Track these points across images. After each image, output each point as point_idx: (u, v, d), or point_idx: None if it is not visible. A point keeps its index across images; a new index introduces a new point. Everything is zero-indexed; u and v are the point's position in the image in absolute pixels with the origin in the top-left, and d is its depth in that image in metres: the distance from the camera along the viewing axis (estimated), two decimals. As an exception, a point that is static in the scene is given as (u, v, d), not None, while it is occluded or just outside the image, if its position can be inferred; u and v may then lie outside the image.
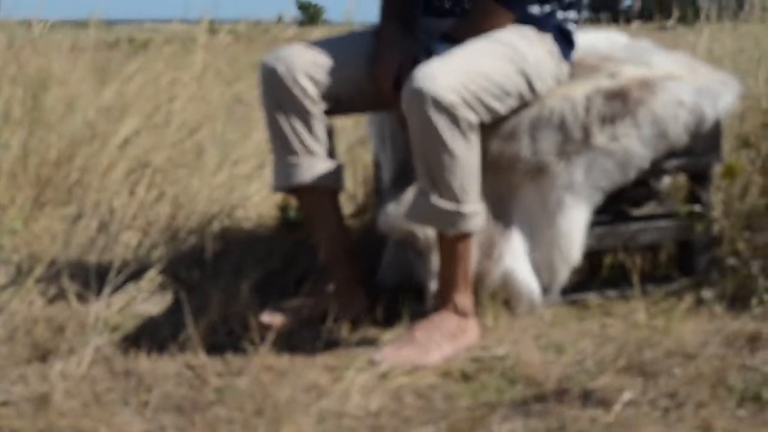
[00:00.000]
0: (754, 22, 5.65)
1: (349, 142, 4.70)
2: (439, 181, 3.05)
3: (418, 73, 3.03)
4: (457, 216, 3.08)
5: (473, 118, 3.06)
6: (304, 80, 3.27)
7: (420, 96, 3.00)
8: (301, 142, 3.29)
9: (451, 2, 3.38)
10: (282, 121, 3.28)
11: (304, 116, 3.28)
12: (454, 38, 3.24)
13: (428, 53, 3.23)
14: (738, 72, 4.53)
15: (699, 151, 3.56)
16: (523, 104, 3.32)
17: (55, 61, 5.17)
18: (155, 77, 5.10)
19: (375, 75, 3.27)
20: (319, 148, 3.31)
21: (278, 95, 3.28)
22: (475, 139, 3.06)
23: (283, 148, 3.31)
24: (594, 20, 7.23)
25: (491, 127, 3.25)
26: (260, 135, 4.79)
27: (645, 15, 7.84)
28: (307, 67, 3.28)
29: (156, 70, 5.17)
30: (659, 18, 7.10)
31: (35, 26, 5.56)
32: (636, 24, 6.65)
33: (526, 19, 3.30)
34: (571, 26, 3.39)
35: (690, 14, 6.31)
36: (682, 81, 3.50)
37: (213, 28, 6.27)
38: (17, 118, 4.58)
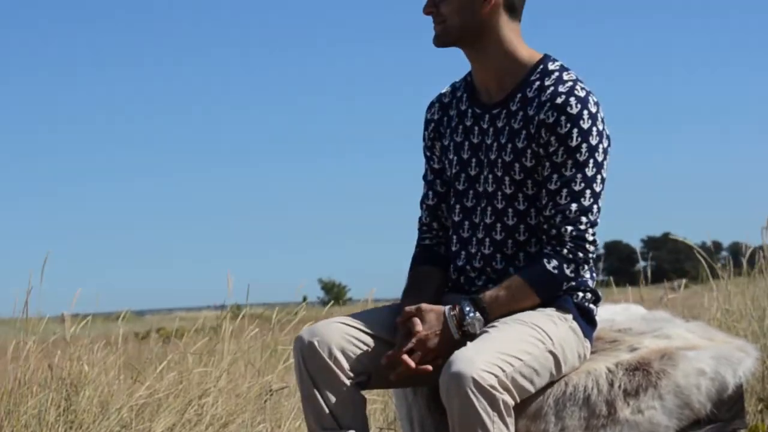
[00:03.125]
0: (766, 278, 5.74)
1: (378, 425, 4.73)
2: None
3: (456, 359, 3.14)
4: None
5: (509, 400, 3.17)
6: (338, 354, 3.34)
7: (460, 379, 3.10)
8: (335, 417, 3.33)
9: (476, 288, 3.49)
10: (317, 395, 3.33)
11: (338, 391, 3.33)
12: (481, 305, 3.33)
13: (460, 310, 3.31)
14: (755, 333, 4.62)
15: (723, 417, 3.60)
16: (549, 382, 3.41)
17: (87, 360, 5.26)
18: (186, 372, 5.18)
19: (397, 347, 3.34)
20: (353, 423, 3.35)
21: (313, 368, 3.34)
22: (511, 422, 3.16)
23: (318, 422, 3.35)
24: (608, 283, 7.37)
25: (517, 407, 3.31)
26: (290, 425, 4.83)
27: (658, 275, 7.99)
28: (341, 341, 3.36)
29: (186, 364, 5.25)
30: (672, 277, 7.25)
31: (67, 322, 5.69)
32: (649, 287, 6.78)
33: (549, 301, 3.42)
34: (591, 306, 3.51)
35: (703, 273, 6.45)
36: (701, 350, 3.59)
37: (239, 313, 6.40)
38: (52, 421, 4.65)
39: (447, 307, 3.36)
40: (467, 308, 3.34)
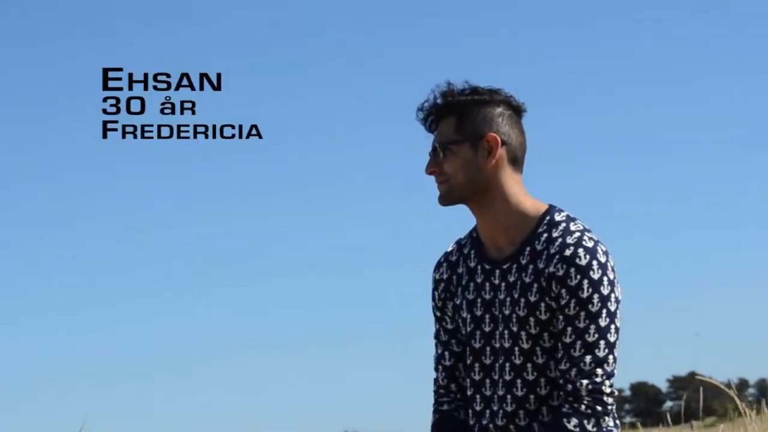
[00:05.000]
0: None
1: None
2: None
3: None
4: None
5: None
6: None
7: None
8: None
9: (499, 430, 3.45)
10: None
11: None
12: None
13: None
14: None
15: None
16: None
17: None
18: None
19: None
20: None
21: None
22: None
23: None
24: (635, 425, 7.29)
25: None
26: None
27: (686, 414, 7.91)
28: None
29: None
30: (700, 416, 7.18)
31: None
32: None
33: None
34: (619, 458, 3.46)
35: (732, 410, 6.37)
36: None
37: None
38: None
39: None
40: None
